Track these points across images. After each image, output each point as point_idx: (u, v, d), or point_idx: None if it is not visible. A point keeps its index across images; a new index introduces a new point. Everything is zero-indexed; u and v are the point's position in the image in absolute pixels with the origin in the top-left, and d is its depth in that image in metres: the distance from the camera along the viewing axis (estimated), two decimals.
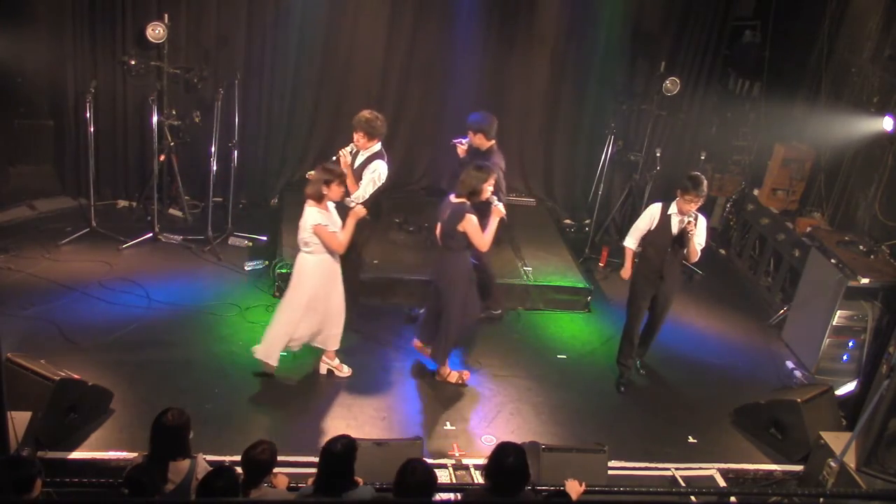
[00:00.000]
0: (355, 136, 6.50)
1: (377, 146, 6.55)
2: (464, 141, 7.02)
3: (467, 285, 6.37)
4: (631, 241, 6.71)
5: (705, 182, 6.32)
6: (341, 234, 6.02)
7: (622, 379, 6.92)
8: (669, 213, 6.47)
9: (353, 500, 4.16)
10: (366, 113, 6.54)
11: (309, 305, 6.11)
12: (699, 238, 6.39)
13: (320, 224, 5.91)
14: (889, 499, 5.50)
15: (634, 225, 6.74)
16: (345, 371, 6.52)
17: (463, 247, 6.19)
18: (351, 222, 6.03)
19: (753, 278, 9.07)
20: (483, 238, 6.14)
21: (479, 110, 7.25)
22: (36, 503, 3.92)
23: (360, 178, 6.47)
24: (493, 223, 6.17)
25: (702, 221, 6.43)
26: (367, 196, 6.44)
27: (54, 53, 8.07)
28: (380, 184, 6.51)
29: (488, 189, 6.12)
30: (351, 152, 6.55)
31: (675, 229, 6.43)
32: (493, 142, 7.02)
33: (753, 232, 9.21)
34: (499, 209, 6.15)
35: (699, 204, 6.32)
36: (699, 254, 6.48)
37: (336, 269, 6.17)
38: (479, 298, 6.58)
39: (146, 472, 4.06)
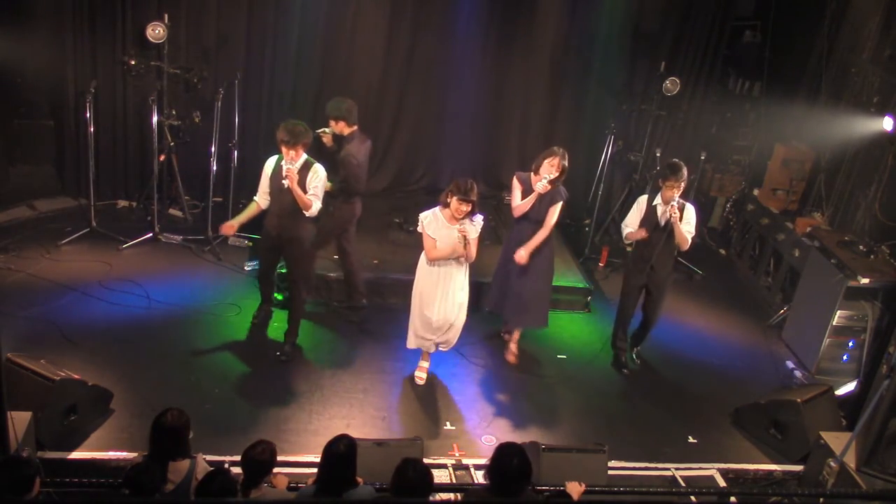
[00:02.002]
0: (296, 151, 6.08)
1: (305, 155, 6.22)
2: (327, 130, 6.82)
3: (504, 249, 6.80)
4: (627, 230, 6.77)
5: (684, 168, 6.44)
6: (437, 248, 6.03)
7: (620, 361, 7.13)
8: (654, 203, 6.57)
9: (353, 499, 4.16)
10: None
11: (417, 303, 6.26)
12: (687, 226, 6.49)
13: (424, 227, 6.05)
14: (889, 499, 5.50)
15: (626, 220, 6.82)
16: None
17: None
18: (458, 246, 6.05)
19: (753, 278, 9.07)
20: (516, 201, 6.50)
21: (337, 97, 6.92)
22: (36, 503, 3.92)
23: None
24: (531, 197, 6.41)
25: (689, 209, 6.52)
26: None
27: (54, 53, 8.07)
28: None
29: (545, 165, 6.34)
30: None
31: (660, 219, 6.54)
32: (356, 127, 6.78)
33: (753, 232, 9.21)
34: (539, 184, 6.33)
35: (680, 190, 6.41)
36: (689, 242, 6.56)
37: (443, 275, 6.14)
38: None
39: (146, 472, 4.05)
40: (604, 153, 9.02)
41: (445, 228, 6.01)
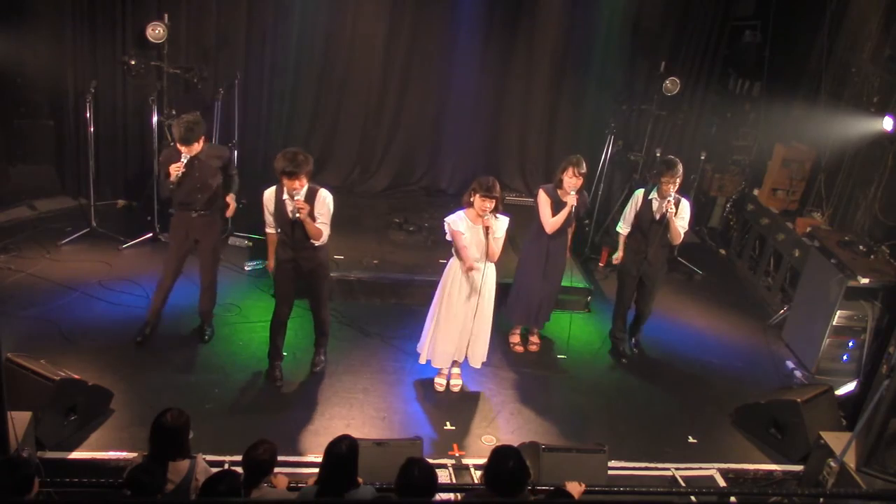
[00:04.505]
0: (300, 181, 5.63)
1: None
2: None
3: (530, 262, 6.91)
4: (622, 228, 7.04)
5: (680, 164, 6.58)
6: (466, 250, 5.99)
7: (619, 350, 7.31)
8: (650, 198, 6.74)
9: (354, 499, 4.16)
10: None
11: (439, 312, 6.24)
12: (681, 221, 6.64)
13: (451, 227, 6.00)
14: (889, 499, 5.50)
15: (623, 213, 7.04)
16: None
17: (537, 224, 6.72)
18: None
19: (753, 278, 9.08)
20: (548, 218, 6.60)
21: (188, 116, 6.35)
22: (36, 503, 3.91)
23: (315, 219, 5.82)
24: (564, 211, 6.58)
25: (685, 204, 6.66)
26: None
27: (54, 53, 8.08)
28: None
29: (565, 180, 6.50)
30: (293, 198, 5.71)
31: (655, 213, 6.71)
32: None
33: (753, 232, 9.21)
34: (569, 197, 6.52)
35: (677, 185, 6.54)
36: (682, 236, 6.73)
37: (470, 279, 6.11)
38: None
39: (147, 472, 4.05)
40: (604, 153, 9.02)
41: (470, 229, 6.00)
